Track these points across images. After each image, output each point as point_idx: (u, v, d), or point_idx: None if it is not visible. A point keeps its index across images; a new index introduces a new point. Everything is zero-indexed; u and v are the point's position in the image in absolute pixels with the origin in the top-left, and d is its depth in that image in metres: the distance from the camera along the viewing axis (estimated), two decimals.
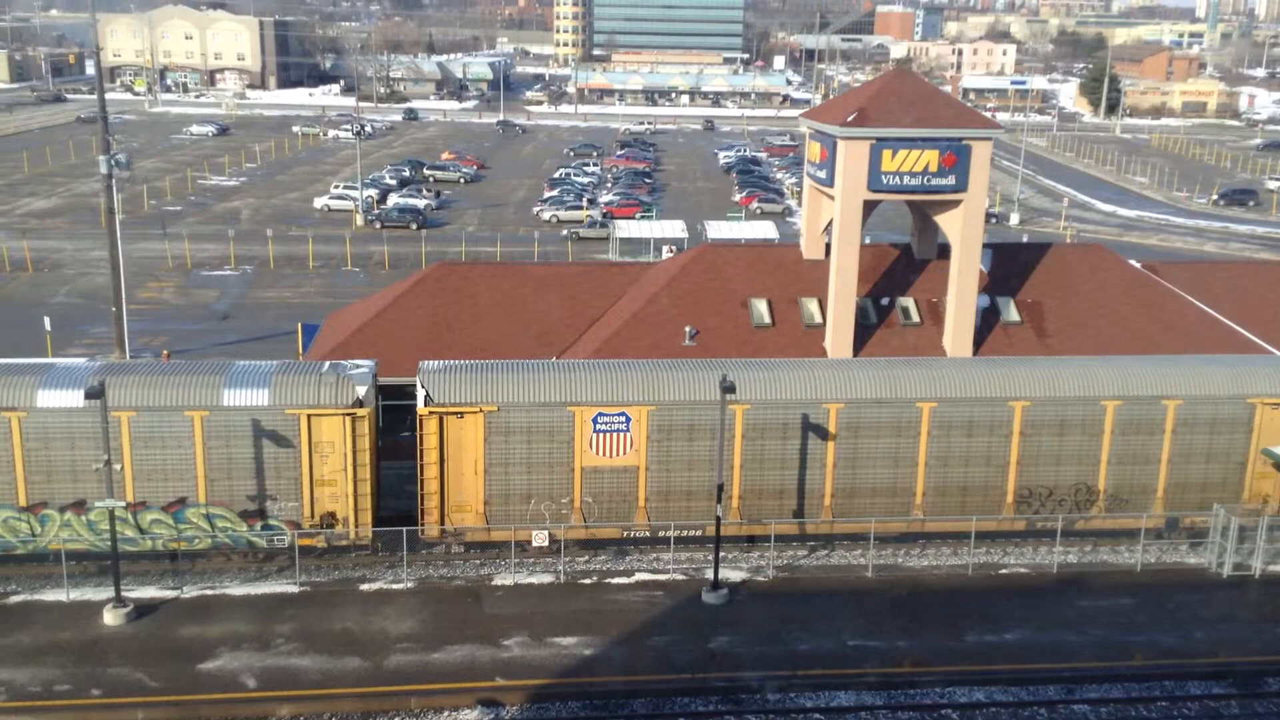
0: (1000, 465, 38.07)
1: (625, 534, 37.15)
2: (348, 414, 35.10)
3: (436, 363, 37.23)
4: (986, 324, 46.55)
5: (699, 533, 37.31)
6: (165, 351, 58.24)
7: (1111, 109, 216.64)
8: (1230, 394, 38.65)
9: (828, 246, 46.72)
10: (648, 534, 37.22)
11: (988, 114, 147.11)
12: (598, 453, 36.35)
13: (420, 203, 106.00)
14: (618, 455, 36.46)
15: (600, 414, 36.08)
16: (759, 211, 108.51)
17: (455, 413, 35.58)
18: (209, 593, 34.45)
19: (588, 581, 35.85)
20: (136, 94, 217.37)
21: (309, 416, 35.00)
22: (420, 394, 35.74)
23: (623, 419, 36.18)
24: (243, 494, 35.30)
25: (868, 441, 37.35)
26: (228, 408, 34.75)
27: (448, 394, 35.67)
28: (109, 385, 34.28)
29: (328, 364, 36.72)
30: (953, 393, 37.47)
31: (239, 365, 36.65)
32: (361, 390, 35.42)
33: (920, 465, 37.70)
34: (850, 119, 43.24)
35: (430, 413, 35.48)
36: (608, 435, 36.24)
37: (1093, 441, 38.26)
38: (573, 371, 36.74)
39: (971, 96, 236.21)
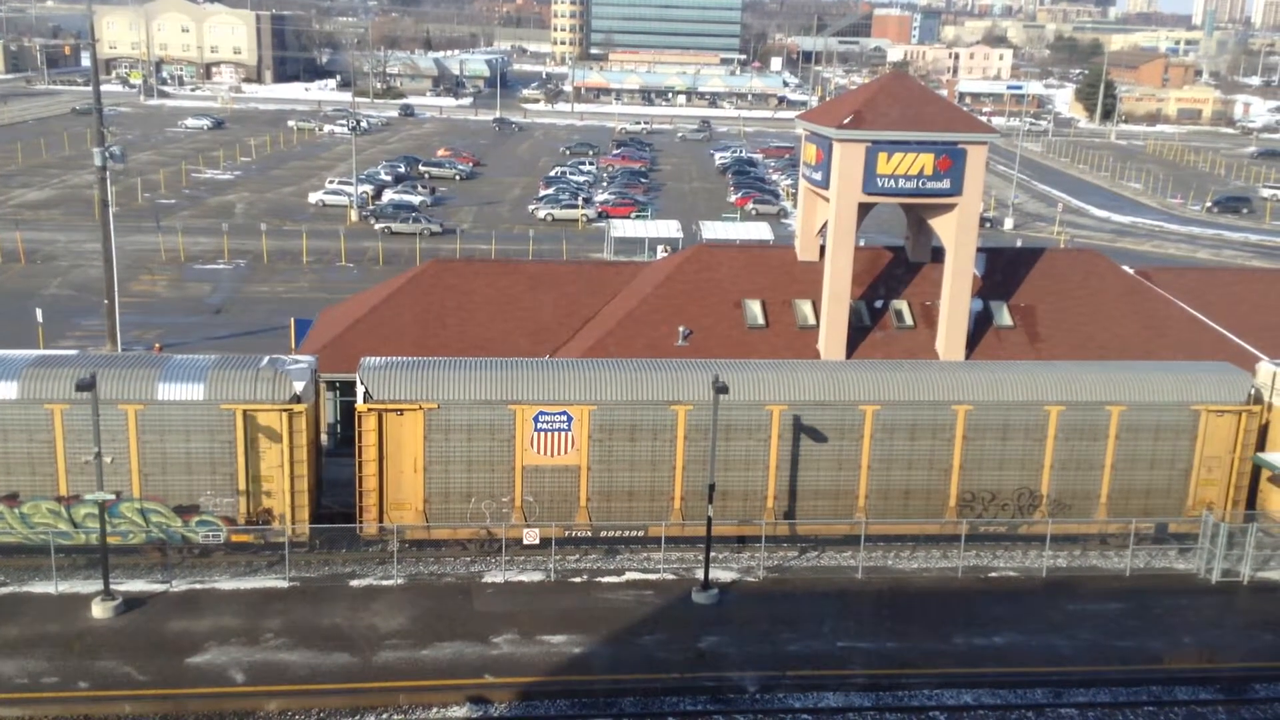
0: (943, 469, 37.97)
1: (567, 534, 36.90)
2: (284, 410, 34.83)
3: (377, 359, 36.99)
4: (979, 328, 46.62)
5: (641, 533, 37.22)
6: (157, 344, 58.15)
7: (1107, 115, 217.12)
8: (1174, 400, 38.56)
9: (822, 248, 46.78)
10: (589, 534, 37.02)
11: (983, 118, 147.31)
12: (539, 451, 36.13)
13: (415, 199, 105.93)
14: (559, 454, 36.26)
15: (541, 413, 35.87)
16: (754, 212, 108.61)
17: (395, 410, 35.35)
18: (198, 587, 34.39)
19: (578, 580, 35.85)
20: (132, 86, 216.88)
21: (245, 412, 34.74)
22: (359, 391, 35.50)
23: (564, 418, 36.01)
24: (177, 489, 35.00)
25: (810, 444, 37.21)
26: (163, 402, 34.45)
27: (387, 391, 35.43)
28: (40, 377, 34.20)
29: (266, 359, 36.47)
30: (895, 396, 37.35)
31: (176, 359, 36.41)
32: (299, 386, 35.15)
33: (863, 468, 37.59)
34: (846, 121, 43.29)
35: (369, 410, 35.24)
36: (549, 434, 36.03)
37: (1036, 446, 38.16)
38: (514, 370, 36.50)
39: (967, 101, 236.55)
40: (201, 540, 35.54)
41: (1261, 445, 39.77)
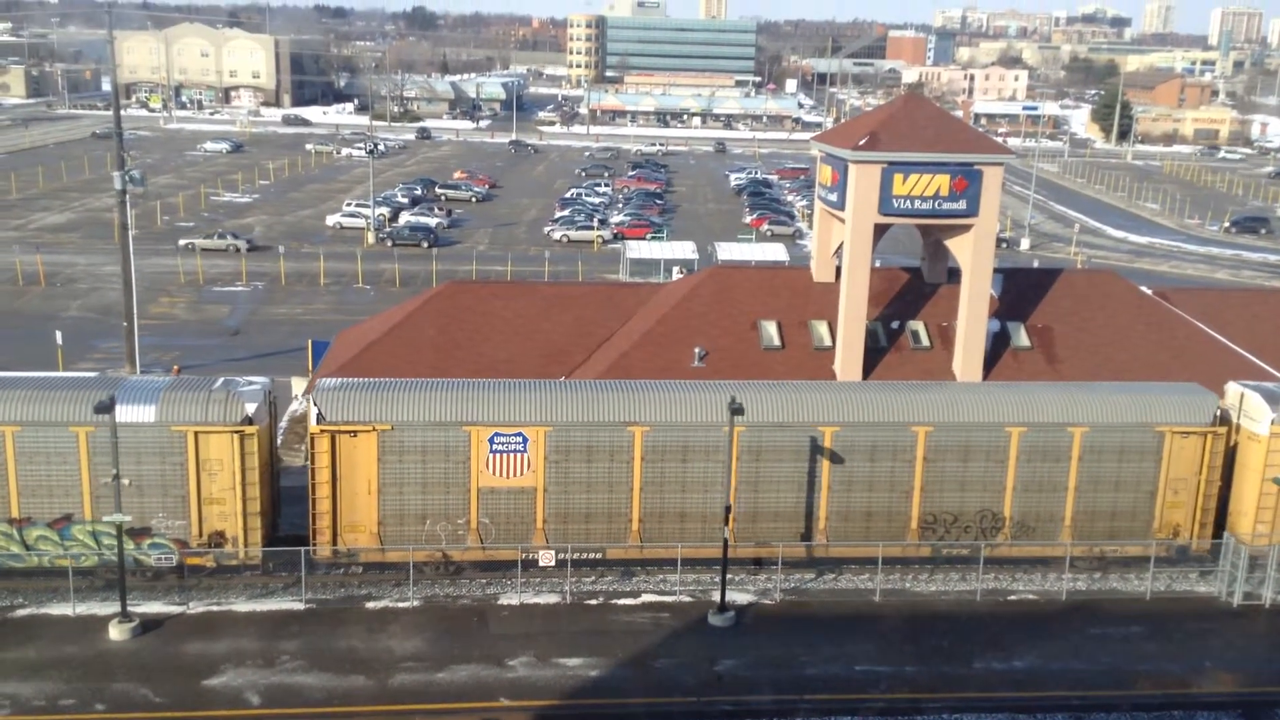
0: (904, 491, 37.61)
1: (524, 555, 36.46)
2: (236, 432, 34.66)
3: (333, 380, 36.88)
4: (996, 349, 46.47)
5: (599, 555, 36.97)
6: (175, 366, 58.42)
7: (1123, 135, 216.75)
8: (1138, 422, 38.08)
9: (838, 269, 46.75)
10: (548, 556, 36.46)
11: (999, 139, 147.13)
12: (494, 473, 35.88)
13: (431, 221, 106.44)
14: (515, 476, 36.01)
15: (496, 434, 35.63)
16: (769, 234, 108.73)
17: (348, 431, 35.16)
18: (214, 609, 34.43)
19: (594, 602, 35.75)
20: (152, 111, 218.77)
21: (196, 434, 34.56)
22: (312, 412, 35.38)
23: (519, 439, 35.79)
24: (130, 511, 34.52)
25: (770, 465, 36.90)
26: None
27: (340, 412, 35.21)
28: None
29: (220, 381, 36.38)
30: (855, 417, 37.01)
31: (129, 381, 36.34)
32: (251, 408, 34.98)
33: (823, 490, 37.29)
34: (862, 143, 43.33)
35: (322, 431, 35.03)
36: (504, 456, 35.79)
37: (997, 468, 37.74)
38: (469, 391, 36.30)
39: (983, 121, 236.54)
40: (154, 563, 35.23)
41: (1229, 468, 39.35)
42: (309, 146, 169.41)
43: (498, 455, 35.79)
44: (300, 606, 34.66)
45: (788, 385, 38.75)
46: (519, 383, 37.73)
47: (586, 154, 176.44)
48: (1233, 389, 40.13)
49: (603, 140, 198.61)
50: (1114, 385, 40.43)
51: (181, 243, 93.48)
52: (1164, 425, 38.11)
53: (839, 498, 37.37)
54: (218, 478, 34.91)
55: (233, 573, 36.18)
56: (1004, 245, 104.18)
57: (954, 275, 47.47)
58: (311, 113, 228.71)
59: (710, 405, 36.48)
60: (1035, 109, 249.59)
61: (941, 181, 43.24)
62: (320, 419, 35.15)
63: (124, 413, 34.15)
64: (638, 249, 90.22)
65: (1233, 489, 39.42)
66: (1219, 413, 38.64)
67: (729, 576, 35.65)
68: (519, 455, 35.88)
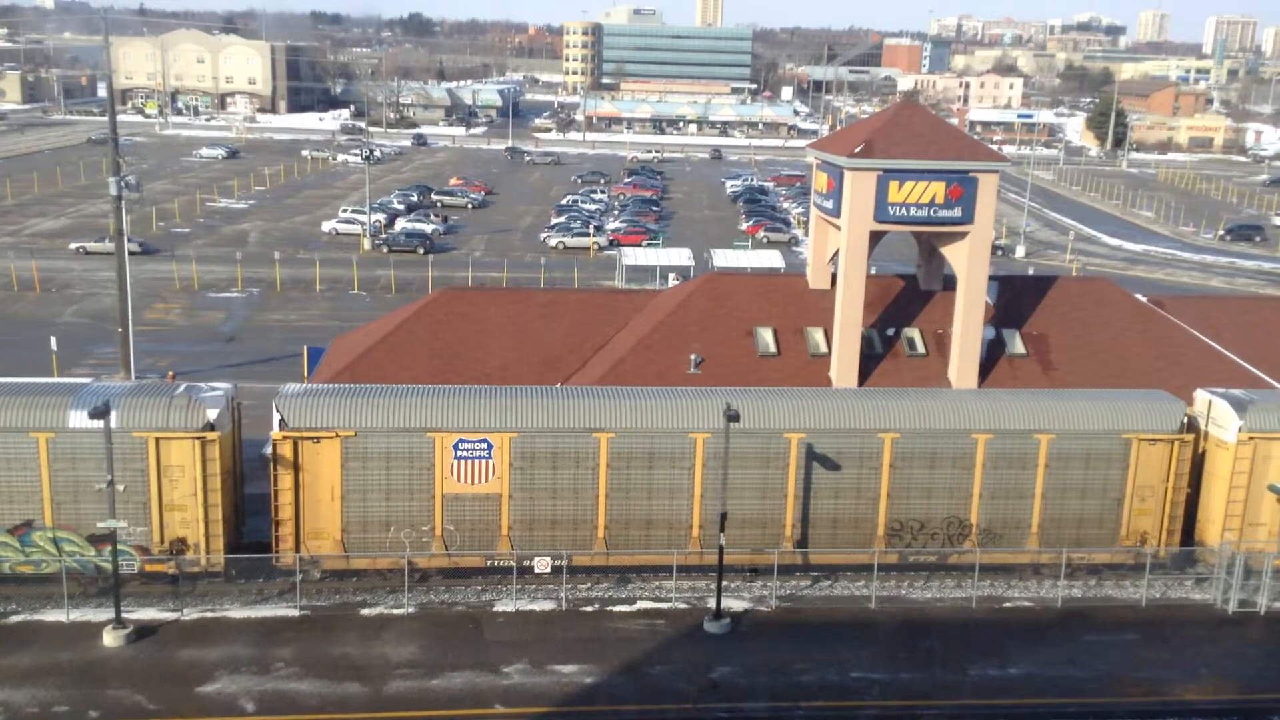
0: (870, 498, 37.57)
1: (489, 563, 36.43)
2: (197, 438, 34.49)
3: (296, 386, 36.80)
4: (992, 356, 46.52)
5: (566, 562, 36.88)
6: (170, 373, 58.33)
7: (1118, 143, 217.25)
8: (1105, 429, 38.06)
9: (834, 276, 46.79)
10: (512, 563, 36.44)
11: (994, 147, 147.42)
12: (459, 479, 35.80)
13: (427, 227, 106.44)
14: (480, 482, 35.91)
15: (461, 440, 35.51)
16: (765, 240, 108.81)
17: (311, 438, 35.05)
18: (209, 615, 34.35)
19: (589, 609, 35.70)
20: (148, 116, 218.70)
21: (157, 440, 34.42)
22: (275, 418, 35.26)
23: (484, 445, 35.70)
24: (90, 518, 34.46)
25: (735, 472, 36.67)
26: (74, 430, 33.91)
27: (303, 418, 35.06)
28: None
29: (183, 386, 36.19)
30: (821, 424, 36.98)
31: (91, 386, 36.09)
32: (213, 414, 34.80)
33: (789, 497, 37.18)
34: (857, 150, 43.40)
35: (284, 437, 34.90)
36: (469, 462, 35.72)
37: (964, 475, 37.71)
38: (433, 397, 36.19)
39: (978, 129, 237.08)
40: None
41: (1198, 475, 39.40)
42: (305, 152, 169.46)
43: (462, 462, 35.70)
44: (295, 613, 34.59)
45: (754, 392, 38.69)
46: (483, 389, 37.62)
47: (528, 159, 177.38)
48: (1201, 396, 40.19)
49: (597, 147, 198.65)
50: (1081, 392, 40.49)
51: (73, 246, 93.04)
52: (1131, 432, 38.13)
53: (805, 504, 37.33)
54: (179, 484, 34.70)
55: (194, 580, 35.93)
56: (999, 253, 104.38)
57: (949, 282, 47.52)
58: (308, 119, 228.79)
59: (675, 411, 36.48)
60: (1030, 117, 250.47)
61: (937, 189, 43.31)
62: (283, 425, 35.04)
63: (84, 418, 33.85)
64: (634, 255, 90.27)
65: (1201, 496, 39.48)
66: (1186, 420, 38.71)
67: (725, 584, 35.62)
68: (484, 462, 35.80)
